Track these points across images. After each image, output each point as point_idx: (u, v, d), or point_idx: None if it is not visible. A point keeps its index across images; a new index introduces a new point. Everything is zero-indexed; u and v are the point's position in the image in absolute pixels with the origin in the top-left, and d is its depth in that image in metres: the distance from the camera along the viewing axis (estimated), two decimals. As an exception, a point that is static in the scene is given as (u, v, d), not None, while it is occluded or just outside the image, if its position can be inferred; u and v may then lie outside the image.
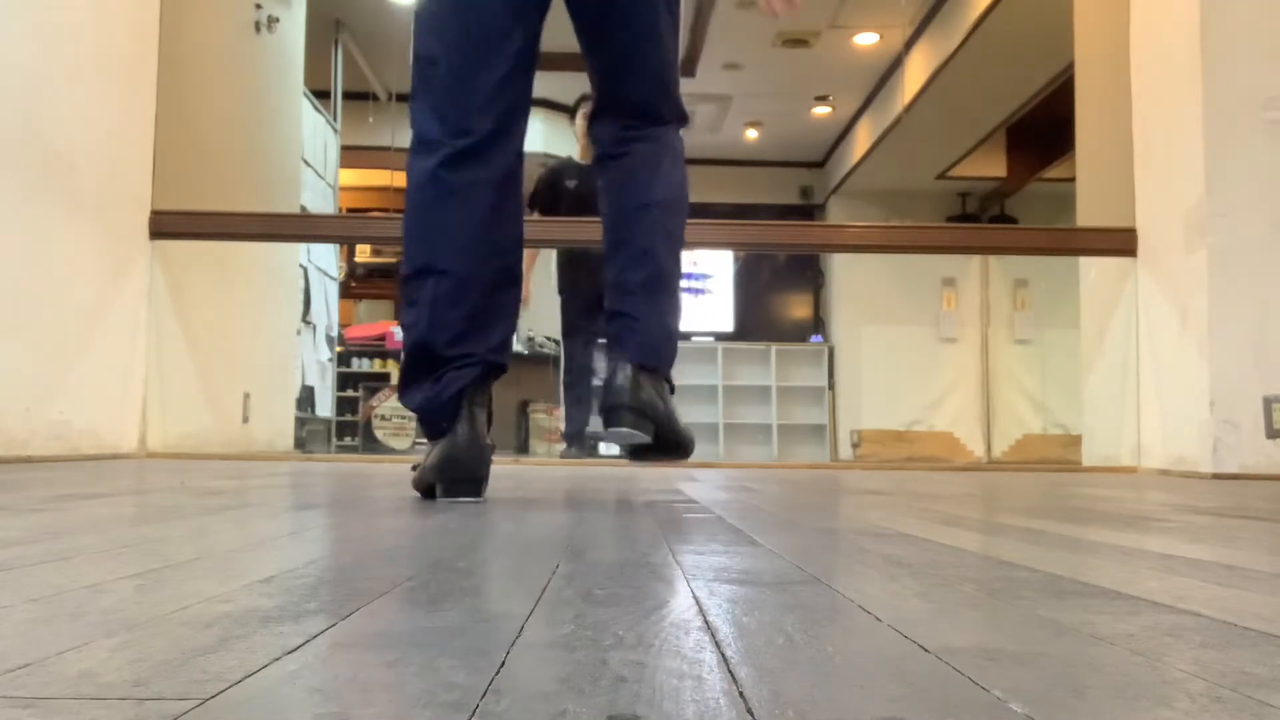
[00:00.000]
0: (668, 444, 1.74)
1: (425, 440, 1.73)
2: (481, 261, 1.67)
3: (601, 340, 5.57)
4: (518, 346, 7.67)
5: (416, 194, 1.68)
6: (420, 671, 0.47)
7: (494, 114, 1.67)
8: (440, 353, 1.64)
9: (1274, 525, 1.46)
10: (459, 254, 1.65)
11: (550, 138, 7.62)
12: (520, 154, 1.76)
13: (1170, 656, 0.53)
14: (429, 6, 1.72)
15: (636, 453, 1.76)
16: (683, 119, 1.88)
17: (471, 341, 1.65)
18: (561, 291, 5.46)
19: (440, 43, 1.69)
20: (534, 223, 4.71)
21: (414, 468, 1.81)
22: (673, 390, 1.79)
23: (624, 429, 1.66)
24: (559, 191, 5.18)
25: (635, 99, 1.81)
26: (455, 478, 1.63)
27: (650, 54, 1.80)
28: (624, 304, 1.75)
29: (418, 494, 1.77)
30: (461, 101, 1.66)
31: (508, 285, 1.72)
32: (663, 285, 1.77)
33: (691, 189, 1.89)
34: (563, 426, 5.91)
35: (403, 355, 1.72)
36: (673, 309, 1.79)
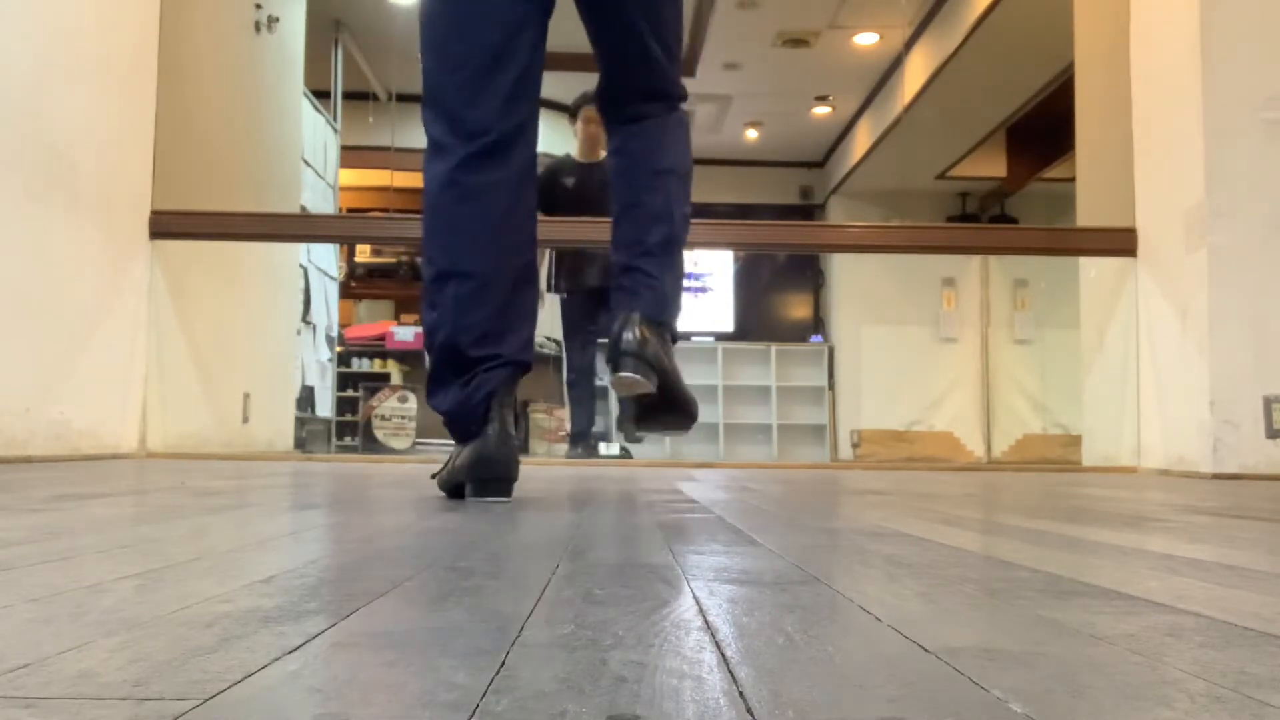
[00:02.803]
0: (672, 400, 1.74)
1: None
2: (500, 262, 1.70)
3: (602, 340, 5.55)
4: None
5: (434, 198, 1.70)
6: (420, 671, 0.47)
7: (512, 115, 1.71)
8: (467, 354, 1.67)
9: (1274, 525, 1.46)
10: (478, 256, 1.68)
11: (545, 136, 7.61)
12: (534, 154, 1.80)
13: (1170, 656, 0.53)
14: (437, 10, 1.73)
15: (641, 415, 1.77)
16: (683, 96, 1.91)
17: (496, 342, 1.68)
18: (561, 292, 5.40)
19: (452, 47, 1.72)
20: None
21: (433, 476, 1.83)
22: (676, 340, 1.80)
23: (630, 375, 1.66)
24: (556, 189, 5.07)
25: (641, 85, 1.84)
26: (486, 478, 1.66)
27: (652, 45, 1.81)
28: (641, 261, 1.78)
29: (442, 493, 1.79)
30: (478, 104, 1.69)
31: (526, 284, 1.76)
32: (677, 247, 1.83)
33: (692, 189, 1.93)
34: (566, 427, 5.91)
35: (429, 358, 1.74)
36: (681, 272, 1.86)
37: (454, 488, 1.74)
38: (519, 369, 1.71)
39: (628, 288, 1.78)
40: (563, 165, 5.25)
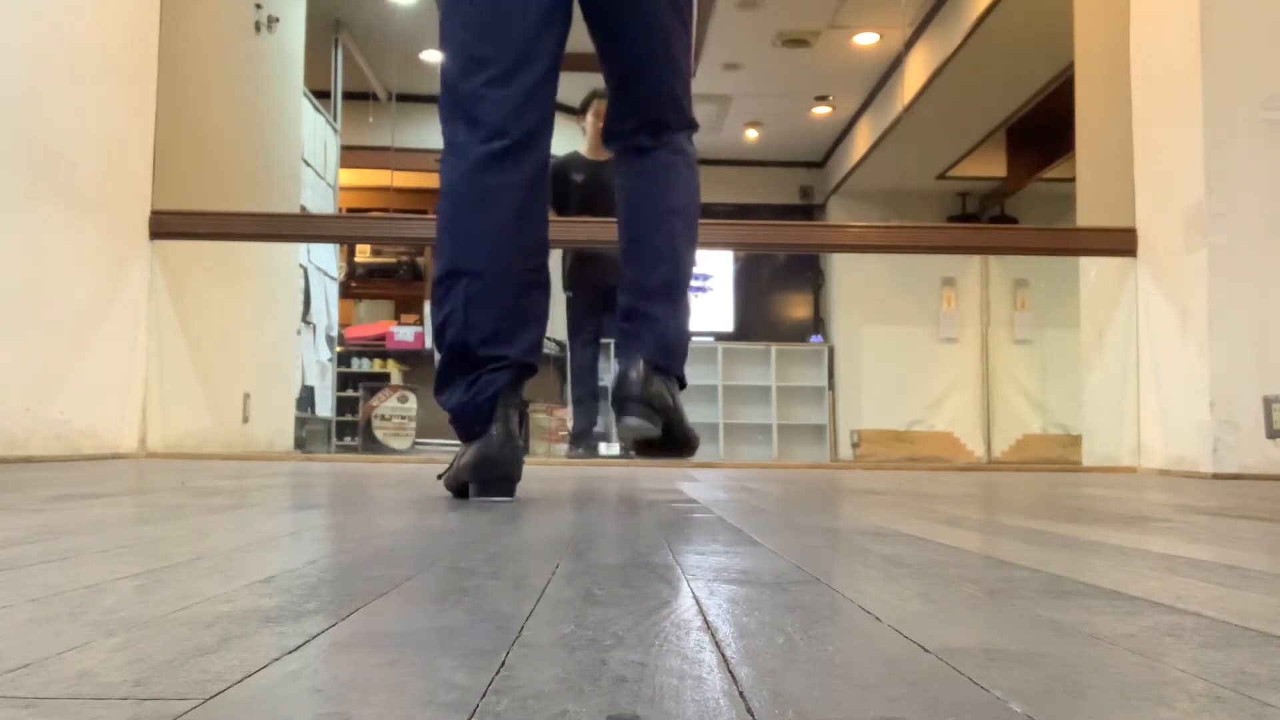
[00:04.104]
0: (675, 440, 1.79)
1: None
2: (511, 262, 1.71)
3: (605, 340, 5.55)
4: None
5: (449, 197, 1.71)
6: (420, 671, 0.47)
7: (528, 118, 1.72)
8: (475, 352, 1.68)
9: (1274, 525, 1.46)
10: (489, 255, 1.69)
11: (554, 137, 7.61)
12: (547, 158, 1.80)
13: (1170, 656, 0.53)
14: (460, 13, 1.72)
15: (642, 447, 1.79)
16: (693, 126, 1.93)
17: (504, 342, 1.69)
18: (569, 289, 5.41)
19: (475, 48, 1.71)
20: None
21: (439, 476, 1.86)
22: (683, 386, 1.84)
23: (635, 421, 1.71)
24: (566, 187, 5.04)
25: (650, 111, 1.85)
26: (489, 477, 1.67)
27: (663, 69, 1.85)
28: (644, 304, 1.80)
29: (449, 492, 1.81)
30: (497, 107, 1.69)
31: (537, 286, 1.76)
32: (681, 289, 1.85)
33: (697, 232, 1.93)
34: (568, 426, 5.90)
35: (438, 355, 1.75)
36: (687, 312, 1.87)
37: (459, 487, 1.76)
38: (525, 371, 1.72)
39: (631, 332, 1.80)
40: (572, 162, 5.19)
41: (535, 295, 1.75)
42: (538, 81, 1.73)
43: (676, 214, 1.85)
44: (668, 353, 1.79)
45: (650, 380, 1.74)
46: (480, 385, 1.68)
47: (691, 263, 1.88)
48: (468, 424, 1.69)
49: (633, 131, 1.86)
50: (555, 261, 5.58)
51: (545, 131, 1.77)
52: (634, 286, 1.83)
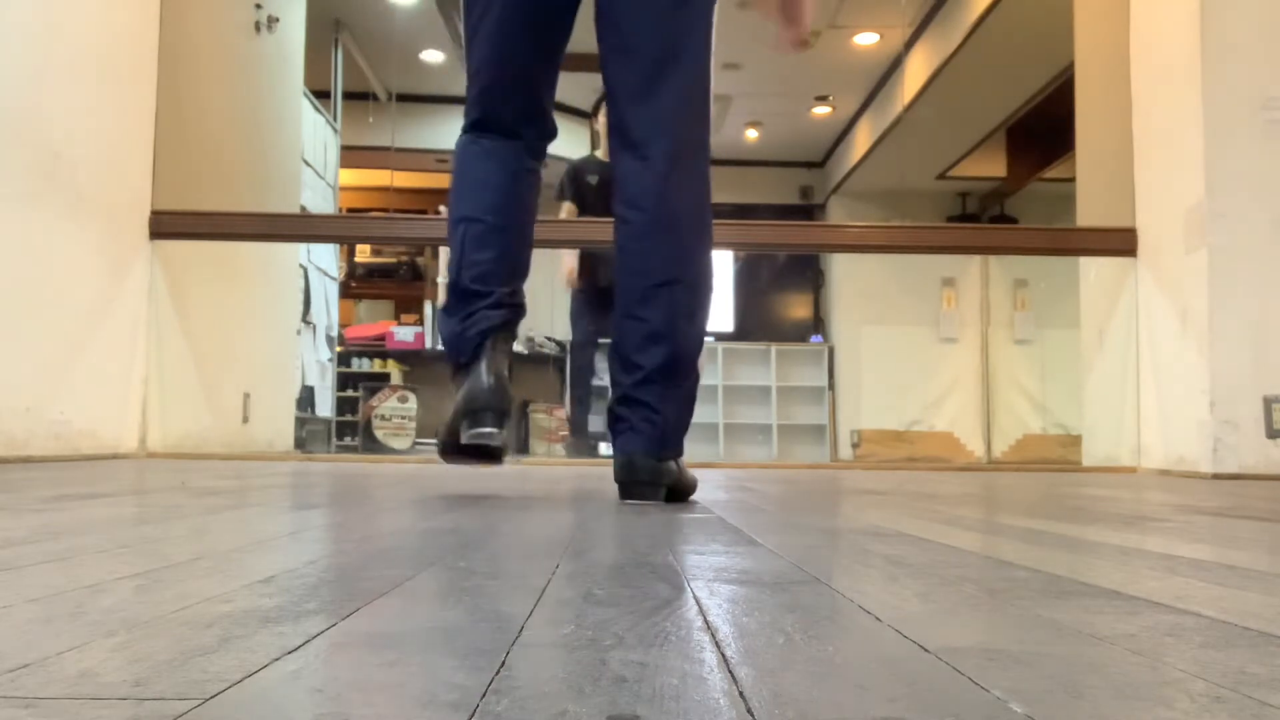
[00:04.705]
0: (674, 497, 1.77)
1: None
2: (506, 213, 1.81)
3: (604, 340, 5.57)
4: (518, 346, 7.67)
5: (458, 155, 1.86)
6: (420, 671, 0.47)
7: (512, 108, 1.85)
8: (468, 287, 1.77)
9: (1274, 525, 1.46)
10: (488, 205, 1.80)
11: (561, 139, 7.60)
12: (540, 137, 1.89)
13: (1170, 656, 0.53)
14: (475, 31, 1.84)
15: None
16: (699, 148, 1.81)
17: (494, 280, 1.78)
18: (574, 286, 5.46)
19: (478, 60, 1.85)
20: (551, 223, 4.70)
21: (437, 445, 1.89)
22: (680, 452, 1.80)
23: (641, 500, 1.73)
24: (581, 187, 5.17)
25: (652, 136, 1.75)
26: (478, 408, 1.71)
27: (679, 105, 1.77)
28: (640, 391, 1.72)
29: (445, 460, 1.84)
30: (506, 107, 1.84)
31: (525, 245, 1.86)
32: (682, 369, 1.73)
33: (710, 285, 1.81)
34: (565, 426, 5.93)
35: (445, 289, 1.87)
36: (692, 391, 1.78)
37: (452, 442, 1.76)
38: (512, 311, 1.79)
39: (627, 420, 1.73)
40: (585, 163, 5.31)
41: (524, 251, 1.85)
42: (537, 94, 1.86)
43: (674, 284, 1.71)
44: (666, 445, 1.72)
45: (649, 474, 1.71)
46: (472, 319, 1.75)
47: (697, 334, 1.76)
48: (456, 354, 1.76)
49: (637, 166, 1.76)
50: (555, 261, 5.59)
51: (533, 115, 1.86)
52: (628, 368, 1.73)
